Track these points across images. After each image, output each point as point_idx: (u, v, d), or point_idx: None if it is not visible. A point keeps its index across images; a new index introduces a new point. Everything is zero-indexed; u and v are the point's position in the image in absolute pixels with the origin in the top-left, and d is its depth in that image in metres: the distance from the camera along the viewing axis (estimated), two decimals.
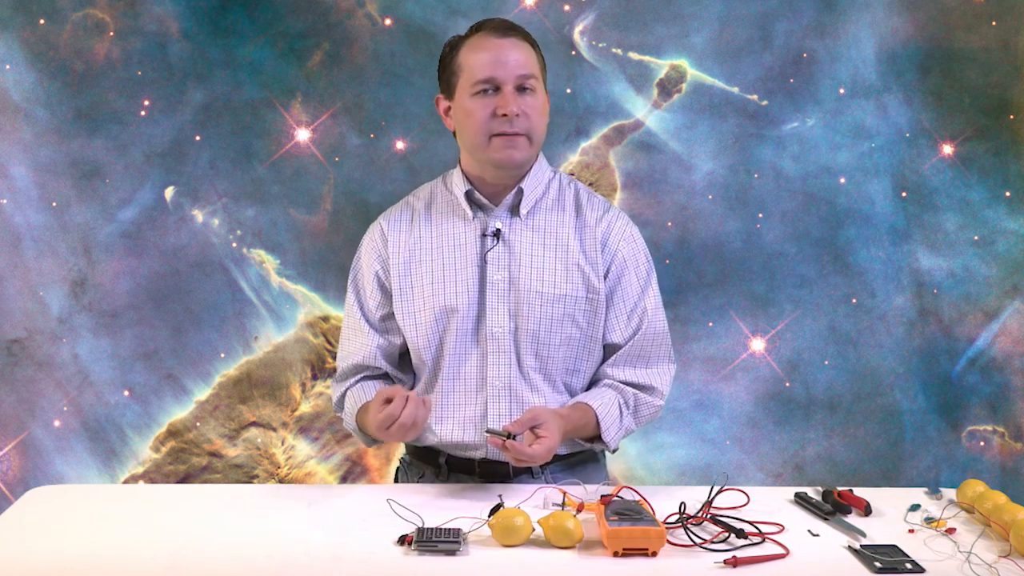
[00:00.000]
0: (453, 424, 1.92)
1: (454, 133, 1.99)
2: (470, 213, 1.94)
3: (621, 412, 1.92)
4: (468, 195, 1.95)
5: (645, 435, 3.13)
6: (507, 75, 1.86)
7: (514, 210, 1.95)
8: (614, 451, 1.98)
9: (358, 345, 1.99)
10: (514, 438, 1.73)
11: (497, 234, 1.92)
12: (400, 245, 1.97)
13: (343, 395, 2.01)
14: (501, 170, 1.91)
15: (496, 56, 1.86)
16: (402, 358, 2.03)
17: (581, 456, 1.99)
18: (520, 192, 1.94)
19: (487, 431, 1.74)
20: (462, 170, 1.98)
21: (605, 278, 1.95)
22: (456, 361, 1.92)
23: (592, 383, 2.00)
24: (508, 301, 1.91)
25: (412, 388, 2.02)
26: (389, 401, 1.74)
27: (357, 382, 2.00)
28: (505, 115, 1.85)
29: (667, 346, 2.01)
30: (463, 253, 1.93)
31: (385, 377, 2.02)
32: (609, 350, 1.98)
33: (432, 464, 1.99)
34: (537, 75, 1.90)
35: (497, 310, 1.90)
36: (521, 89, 1.87)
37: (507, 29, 1.90)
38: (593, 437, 1.92)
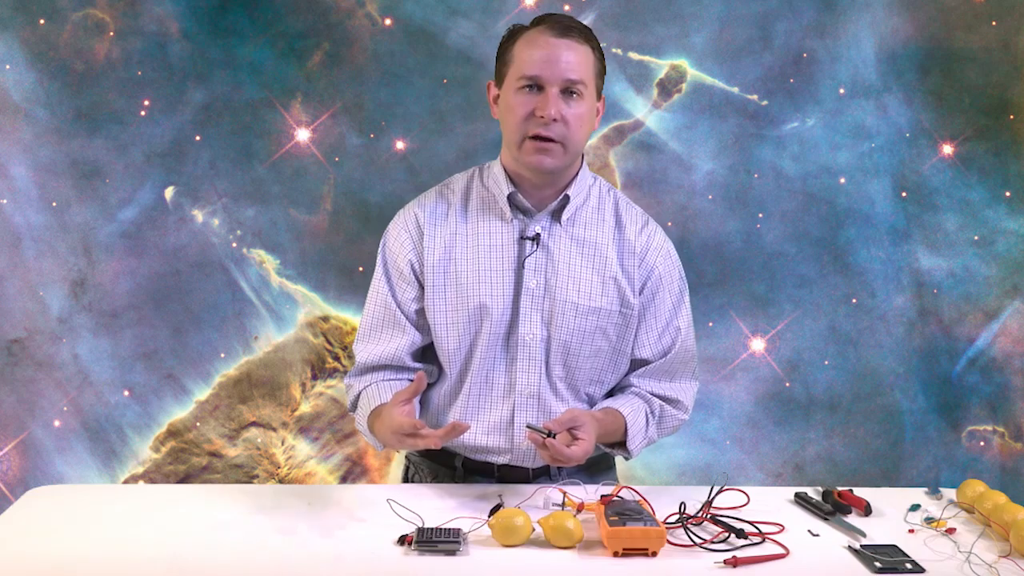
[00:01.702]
0: (478, 428, 1.88)
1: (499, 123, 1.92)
2: (509, 214, 1.88)
3: (647, 421, 1.91)
4: (511, 197, 1.88)
5: None
6: (553, 76, 1.79)
7: (555, 215, 1.90)
8: (629, 459, 1.96)
9: (388, 339, 1.90)
10: (553, 437, 1.70)
11: (536, 239, 1.87)
12: (436, 239, 1.89)
13: (358, 395, 1.91)
14: (533, 174, 1.86)
15: (548, 55, 1.80)
16: (424, 353, 1.95)
17: (595, 458, 1.96)
18: (566, 198, 1.88)
19: (528, 426, 1.70)
20: (503, 166, 1.90)
21: (640, 293, 1.92)
22: (485, 365, 1.87)
23: (617, 390, 1.97)
24: (542, 309, 1.86)
25: (436, 381, 1.94)
26: (408, 403, 1.67)
27: (374, 381, 1.90)
28: (542, 117, 1.79)
29: (694, 364, 1.99)
30: (499, 255, 1.87)
31: (405, 373, 1.92)
32: (636, 364, 1.95)
33: (447, 466, 1.95)
34: (587, 81, 1.82)
35: (531, 318, 1.86)
36: (567, 93, 1.81)
37: (567, 28, 1.82)
38: (615, 443, 1.90)
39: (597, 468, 1.98)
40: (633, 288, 1.90)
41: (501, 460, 1.90)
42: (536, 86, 1.81)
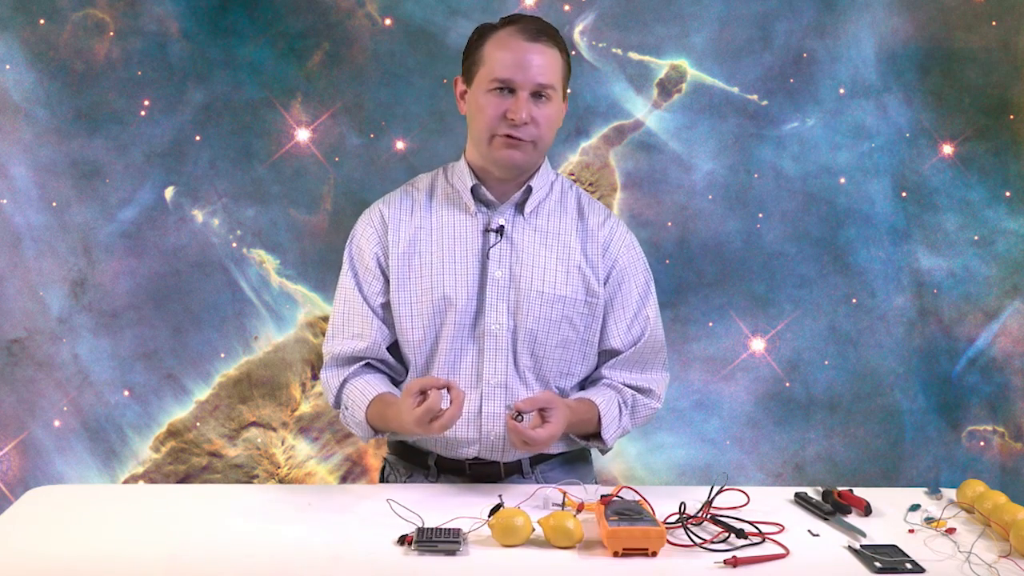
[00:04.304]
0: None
1: (466, 118, 1.97)
2: (473, 207, 1.93)
3: (620, 411, 1.94)
4: (474, 190, 1.93)
5: (645, 435, 3.13)
6: (525, 81, 1.84)
7: (519, 208, 1.94)
8: (606, 451, 1.98)
9: (360, 332, 1.93)
10: (522, 418, 1.74)
11: (500, 230, 1.91)
12: (401, 233, 1.94)
13: (341, 386, 1.94)
14: (502, 169, 1.90)
15: (519, 59, 1.84)
16: (392, 351, 1.98)
17: (571, 455, 2.00)
18: (528, 190, 1.93)
19: (508, 407, 1.77)
20: (467, 162, 1.95)
21: (605, 284, 1.95)
22: (452, 356, 1.90)
23: (589, 383, 2.00)
24: (508, 299, 1.90)
25: (403, 379, 1.98)
26: (422, 393, 1.70)
27: (357, 372, 1.93)
28: (514, 120, 1.84)
29: (664, 355, 2.03)
30: (464, 247, 1.92)
31: (383, 367, 1.96)
32: (607, 355, 1.98)
33: (421, 465, 1.98)
34: (556, 85, 1.88)
35: (496, 307, 1.89)
36: (536, 96, 1.86)
37: (538, 33, 1.87)
38: (590, 435, 1.93)
39: (572, 465, 2.01)
40: (598, 277, 1.94)
41: (471, 452, 1.92)
42: (507, 89, 1.85)
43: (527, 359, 1.91)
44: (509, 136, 1.85)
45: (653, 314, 1.99)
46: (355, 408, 1.90)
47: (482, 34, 1.91)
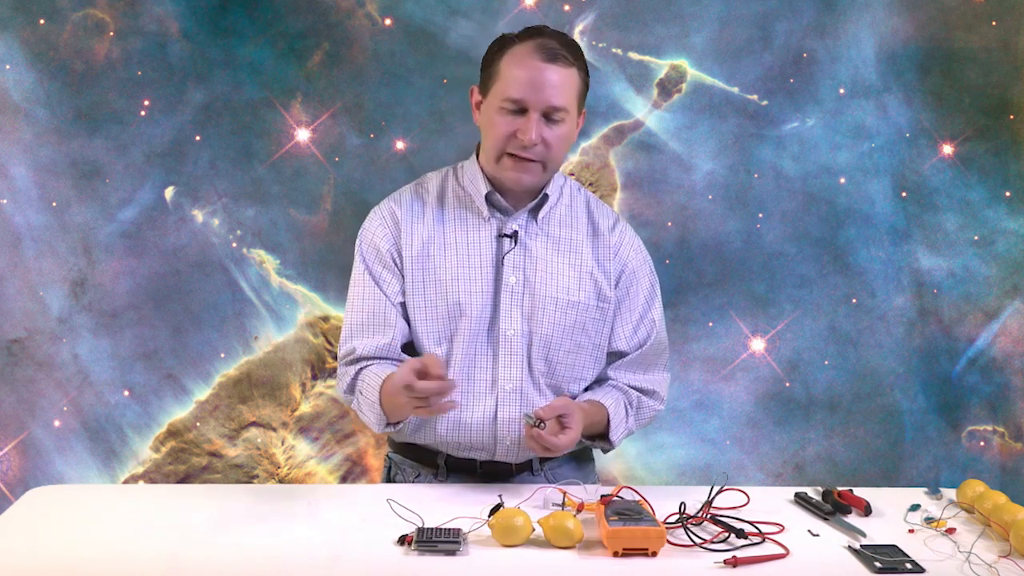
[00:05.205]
0: (461, 425, 1.90)
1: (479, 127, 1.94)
2: (487, 212, 1.91)
3: (627, 413, 1.94)
4: (488, 196, 1.91)
5: (645, 435, 3.13)
6: (537, 102, 1.81)
7: (532, 213, 1.93)
8: (608, 451, 1.98)
9: (381, 333, 1.89)
10: (543, 426, 1.74)
11: (515, 236, 1.90)
12: (414, 236, 1.91)
13: (356, 376, 1.89)
14: (511, 188, 1.89)
15: (533, 79, 1.80)
16: (407, 352, 1.95)
17: (577, 452, 2.01)
18: (545, 197, 1.92)
19: (525, 415, 1.74)
20: (481, 168, 1.92)
21: (615, 287, 1.96)
22: (467, 361, 1.89)
23: (594, 384, 2.00)
24: (522, 304, 1.89)
25: None
26: (422, 376, 1.64)
27: (373, 363, 1.89)
28: (523, 141, 1.82)
29: (666, 356, 2.04)
30: (478, 252, 1.90)
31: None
32: (612, 357, 1.99)
33: (429, 465, 1.97)
34: (569, 107, 1.84)
35: (511, 313, 1.89)
36: (548, 118, 1.83)
37: (555, 54, 1.82)
38: (595, 436, 1.93)
39: (578, 463, 2.02)
40: (609, 282, 1.95)
41: (484, 456, 1.92)
42: (519, 109, 1.82)
43: (541, 364, 1.91)
44: (517, 157, 1.84)
45: (658, 316, 2.00)
46: (369, 390, 1.84)
47: (501, 46, 1.87)
